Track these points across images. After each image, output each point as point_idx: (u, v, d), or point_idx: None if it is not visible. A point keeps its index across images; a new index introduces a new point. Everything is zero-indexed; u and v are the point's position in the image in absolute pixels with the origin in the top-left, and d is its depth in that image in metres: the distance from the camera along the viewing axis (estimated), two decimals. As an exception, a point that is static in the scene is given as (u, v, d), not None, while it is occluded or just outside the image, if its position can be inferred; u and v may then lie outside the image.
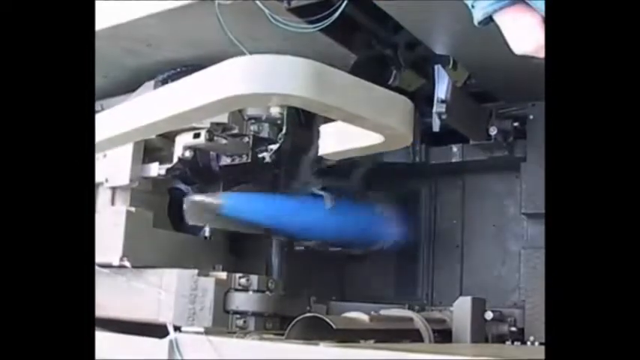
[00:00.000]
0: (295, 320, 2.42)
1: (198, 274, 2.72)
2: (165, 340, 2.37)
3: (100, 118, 2.13)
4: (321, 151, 2.32)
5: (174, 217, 3.16)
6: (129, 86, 3.13)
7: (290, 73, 1.74)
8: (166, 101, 1.96)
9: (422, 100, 2.98)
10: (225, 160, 3.04)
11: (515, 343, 2.95)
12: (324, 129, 2.29)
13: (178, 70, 3.03)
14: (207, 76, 1.84)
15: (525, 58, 1.62)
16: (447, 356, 1.94)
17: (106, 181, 2.94)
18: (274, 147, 2.94)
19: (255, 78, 1.74)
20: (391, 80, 3.01)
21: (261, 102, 2.30)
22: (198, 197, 2.95)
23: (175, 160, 2.92)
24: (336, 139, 2.25)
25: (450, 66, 2.81)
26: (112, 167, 2.92)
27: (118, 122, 2.17)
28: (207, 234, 3.18)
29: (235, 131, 2.91)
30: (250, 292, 2.78)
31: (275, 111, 2.91)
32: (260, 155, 2.95)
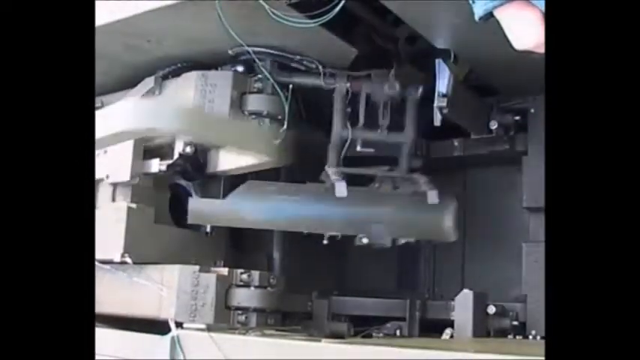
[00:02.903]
0: None
1: (200, 270, 2.72)
2: (167, 337, 2.37)
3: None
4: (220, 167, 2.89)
5: (176, 212, 3.16)
6: (129, 82, 3.13)
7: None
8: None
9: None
10: (227, 156, 3.04)
11: (517, 337, 2.95)
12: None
13: (179, 66, 3.03)
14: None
15: (526, 53, 1.62)
16: (448, 352, 1.94)
17: (107, 177, 2.93)
18: (275, 142, 2.92)
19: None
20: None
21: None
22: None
23: (176, 156, 2.91)
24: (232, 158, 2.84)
25: (452, 60, 2.80)
26: (113, 163, 2.92)
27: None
28: (208, 229, 3.18)
29: (236, 127, 2.90)
30: (252, 288, 2.77)
31: (276, 106, 2.91)
32: (261, 151, 2.95)
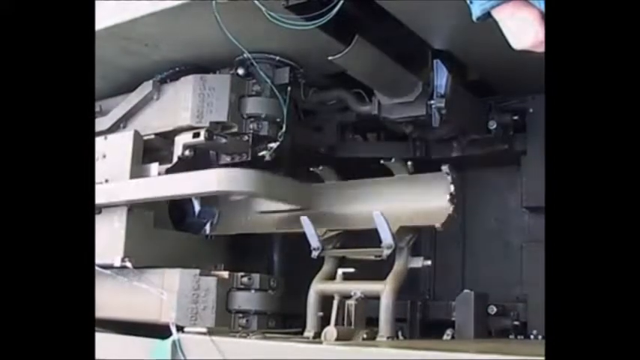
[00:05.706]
0: None
1: (200, 274, 2.72)
2: (168, 341, 2.37)
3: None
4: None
5: (175, 216, 3.16)
6: (127, 86, 3.13)
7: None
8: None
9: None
10: (225, 159, 3.04)
11: (519, 337, 2.95)
12: None
13: (177, 69, 3.02)
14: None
15: (524, 53, 1.62)
16: (449, 353, 1.94)
17: (107, 181, 2.93)
18: (274, 145, 2.93)
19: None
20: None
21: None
22: None
23: (175, 159, 2.91)
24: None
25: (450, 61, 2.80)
26: (112, 168, 2.92)
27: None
28: (207, 232, 3.18)
29: (234, 130, 2.90)
30: (252, 291, 2.78)
31: (275, 109, 2.91)
32: (260, 154, 2.95)
